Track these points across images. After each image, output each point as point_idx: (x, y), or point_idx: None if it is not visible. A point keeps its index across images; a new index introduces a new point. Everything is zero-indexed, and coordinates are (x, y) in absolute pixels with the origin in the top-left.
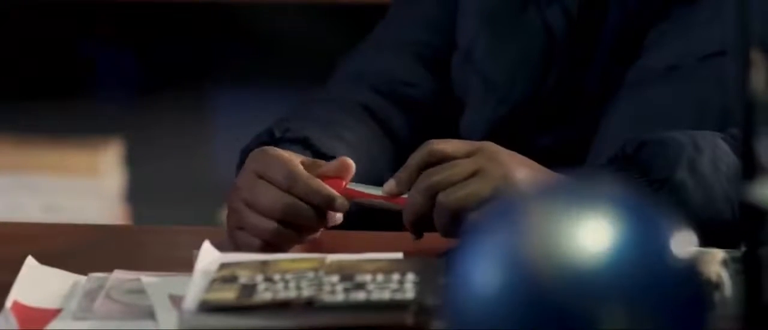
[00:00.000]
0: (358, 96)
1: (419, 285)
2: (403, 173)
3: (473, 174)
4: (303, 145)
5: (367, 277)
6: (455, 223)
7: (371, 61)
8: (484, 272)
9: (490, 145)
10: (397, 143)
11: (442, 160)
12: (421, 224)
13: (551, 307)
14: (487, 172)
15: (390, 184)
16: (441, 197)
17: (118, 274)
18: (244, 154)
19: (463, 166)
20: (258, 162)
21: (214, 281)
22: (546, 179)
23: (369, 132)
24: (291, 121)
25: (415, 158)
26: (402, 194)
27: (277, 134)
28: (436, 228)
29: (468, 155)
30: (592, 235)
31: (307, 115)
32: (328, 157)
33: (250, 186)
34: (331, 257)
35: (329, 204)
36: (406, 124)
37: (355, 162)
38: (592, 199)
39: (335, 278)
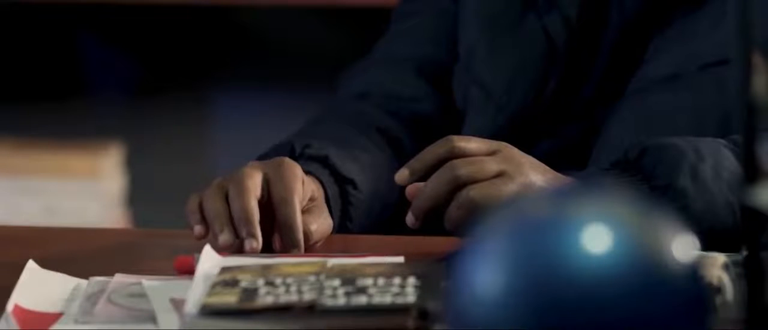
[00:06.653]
0: (367, 116)
1: (421, 289)
2: (418, 164)
3: (499, 174)
4: (322, 163)
5: (369, 281)
6: (469, 219)
7: (375, 80)
8: (486, 276)
9: (508, 147)
10: (404, 160)
11: (463, 158)
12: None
13: (554, 311)
14: (511, 175)
15: (403, 173)
16: (471, 192)
17: (120, 278)
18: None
19: (490, 165)
20: (272, 164)
21: (215, 285)
22: (554, 185)
23: (382, 153)
24: (309, 137)
25: (435, 152)
26: (413, 183)
27: (298, 149)
28: (446, 220)
29: (489, 155)
30: (595, 239)
31: (324, 133)
32: (346, 178)
33: (246, 171)
34: (333, 261)
35: (289, 241)
36: (412, 140)
37: (369, 184)
38: (594, 204)
39: (337, 282)
